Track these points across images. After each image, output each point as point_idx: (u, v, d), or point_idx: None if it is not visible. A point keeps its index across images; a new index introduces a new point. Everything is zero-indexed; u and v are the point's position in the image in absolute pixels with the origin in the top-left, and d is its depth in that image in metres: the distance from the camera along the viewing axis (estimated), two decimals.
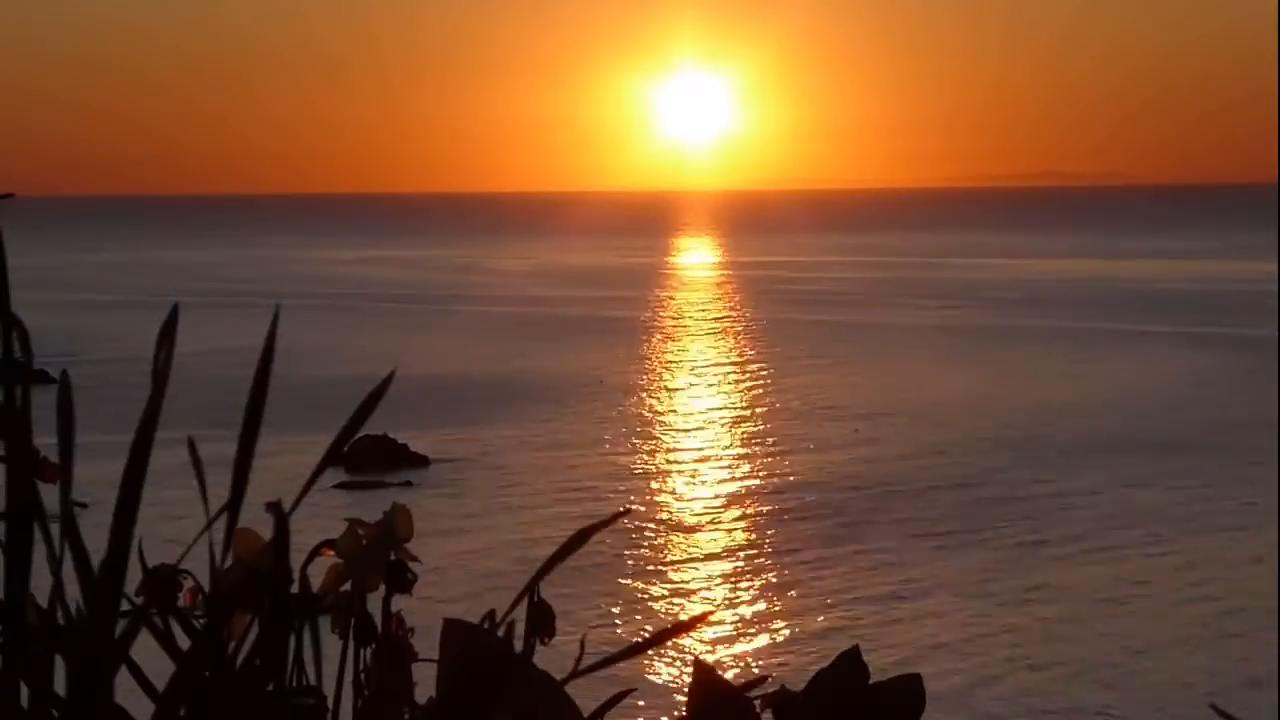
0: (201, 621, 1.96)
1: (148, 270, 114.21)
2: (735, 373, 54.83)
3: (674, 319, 74.66)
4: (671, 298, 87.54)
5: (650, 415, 44.04)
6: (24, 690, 1.80)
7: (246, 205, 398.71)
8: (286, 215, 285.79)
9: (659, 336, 65.65)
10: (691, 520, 31.33)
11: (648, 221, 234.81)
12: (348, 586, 2.20)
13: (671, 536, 29.82)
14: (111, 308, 78.56)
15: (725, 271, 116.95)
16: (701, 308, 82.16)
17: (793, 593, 26.28)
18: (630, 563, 27.45)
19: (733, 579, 27.34)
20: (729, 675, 2.57)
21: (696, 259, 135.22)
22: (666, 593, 26.19)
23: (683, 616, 22.61)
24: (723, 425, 43.12)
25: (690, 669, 2.57)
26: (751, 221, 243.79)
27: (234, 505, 1.84)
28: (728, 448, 39.56)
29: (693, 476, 35.76)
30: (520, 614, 2.15)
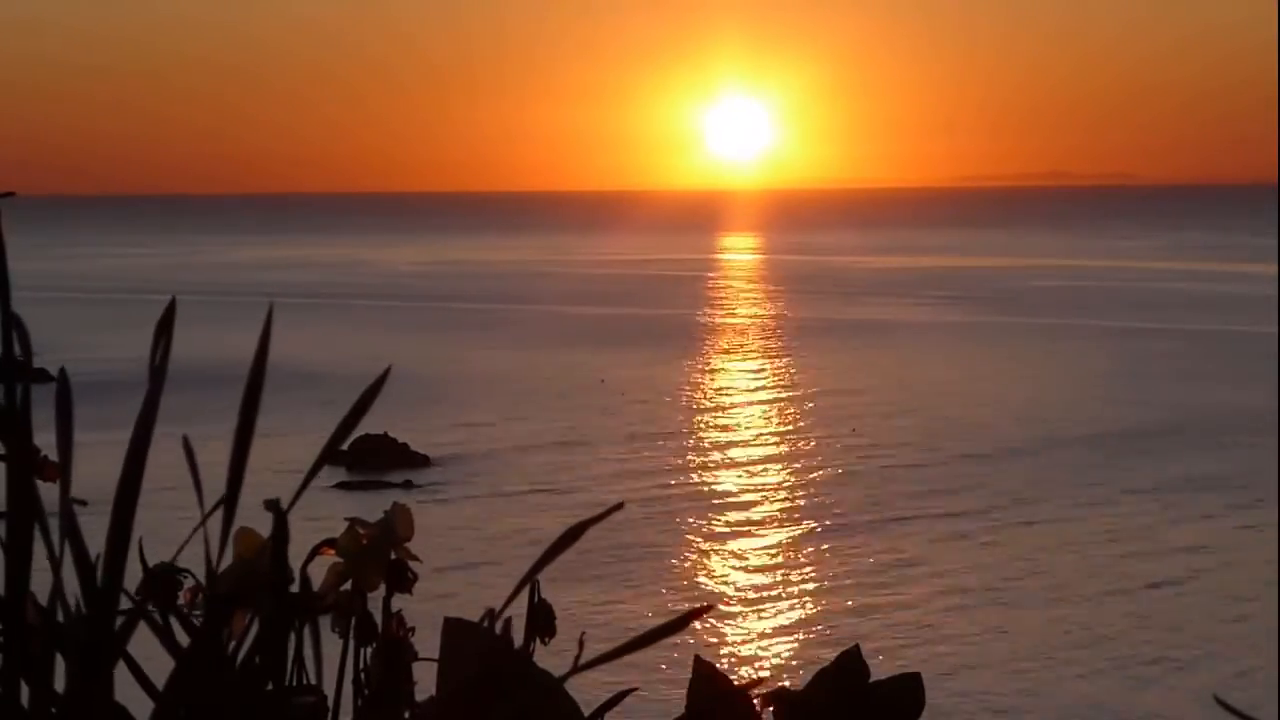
0: (199, 620, 1.95)
1: (172, 268, 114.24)
2: (735, 371, 54.85)
3: (676, 318, 74.64)
4: (676, 297, 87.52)
5: (650, 414, 44.03)
6: (24, 689, 1.80)
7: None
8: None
9: (659, 336, 65.64)
10: (689, 517, 31.33)
11: (679, 220, 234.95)
12: (348, 586, 2.19)
13: (671, 533, 29.81)
14: (111, 305, 78.53)
15: (731, 270, 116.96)
16: (706, 306, 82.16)
17: (792, 589, 26.30)
18: (629, 559, 27.45)
19: (731, 575, 27.36)
20: (730, 673, 2.57)
21: (708, 257, 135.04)
22: (665, 589, 26.20)
23: (680, 612, 22.49)
24: (723, 423, 43.12)
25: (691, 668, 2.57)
26: (775, 220, 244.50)
27: (230, 502, 1.83)
28: (727, 446, 39.56)
29: (692, 474, 35.76)
30: (517, 610, 2.15)
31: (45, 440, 1.90)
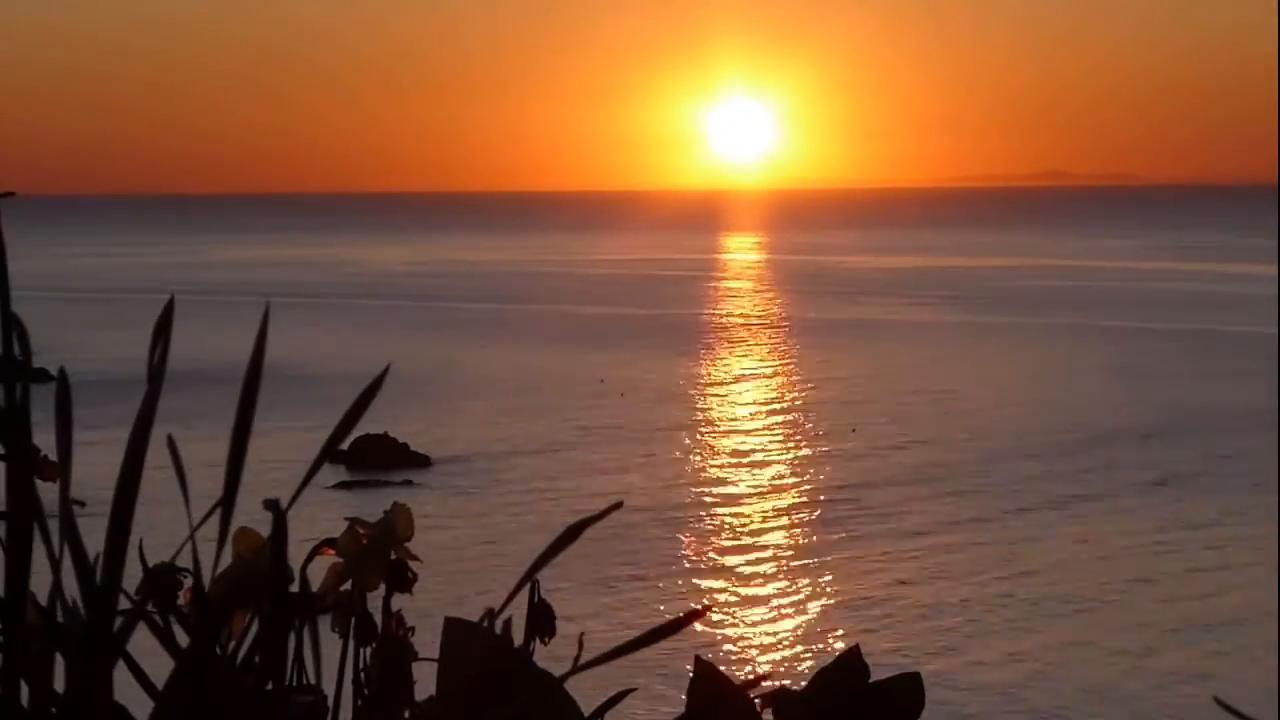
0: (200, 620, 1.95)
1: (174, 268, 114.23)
2: (736, 371, 54.86)
3: (677, 318, 74.65)
4: (677, 297, 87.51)
5: (650, 414, 44.04)
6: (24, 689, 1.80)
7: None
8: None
9: (660, 336, 65.65)
10: (689, 516, 31.33)
11: (681, 220, 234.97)
12: (348, 586, 2.19)
13: (670, 532, 29.82)
14: (111, 305, 78.50)
15: (732, 270, 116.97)
16: (707, 306, 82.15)
17: (793, 589, 26.29)
18: (629, 558, 27.45)
19: (732, 574, 27.35)
20: (730, 673, 2.56)
21: (710, 257, 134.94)
22: (666, 588, 26.20)
23: (681, 612, 22.44)
24: (722, 423, 43.12)
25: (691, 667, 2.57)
26: (777, 221, 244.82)
27: (228, 503, 1.83)
28: (727, 445, 39.56)
29: (692, 473, 35.76)
30: (516, 609, 2.15)
31: (44, 440, 1.90)
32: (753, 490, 34.24)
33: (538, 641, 2.25)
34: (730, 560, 28.44)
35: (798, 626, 24.44)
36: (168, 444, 1.92)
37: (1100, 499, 32.58)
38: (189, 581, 2.02)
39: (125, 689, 1.87)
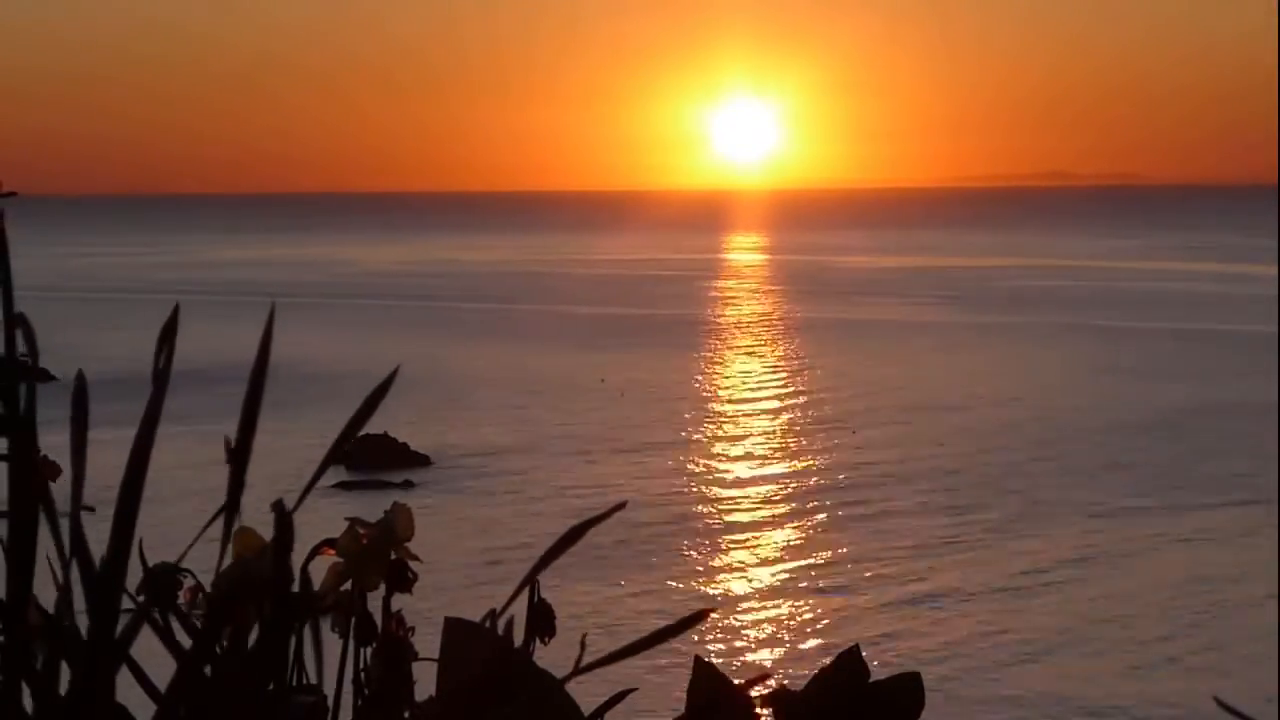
0: (200, 620, 1.96)
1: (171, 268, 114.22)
2: (736, 371, 54.85)
3: (678, 318, 74.64)
4: (678, 296, 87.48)
5: (651, 414, 44.04)
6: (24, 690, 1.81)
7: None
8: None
9: (660, 336, 65.63)
10: (691, 517, 31.32)
11: (684, 220, 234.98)
12: (348, 586, 2.20)
13: (672, 533, 29.81)
14: (110, 304, 78.49)
15: (734, 270, 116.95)
16: (708, 306, 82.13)
17: (793, 589, 26.30)
18: (630, 558, 27.44)
19: (734, 576, 27.35)
20: (730, 673, 2.57)
21: (712, 257, 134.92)
22: (667, 589, 26.19)
23: (683, 613, 22.42)
24: (723, 422, 43.11)
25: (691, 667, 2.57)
26: (780, 220, 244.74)
27: (232, 504, 1.83)
28: (727, 445, 39.56)
29: (693, 473, 35.75)
30: (518, 610, 2.15)
31: (46, 440, 1.90)
32: (754, 490, 34.23)
33: (538, 641, 2.25)
34: (732, 560, 28.43)
35: (798, 627, 24.44)
36: (225, 447, 1.93)
37: (1100, 500, 32.57)
38: (189, 581, 2.03)
39: (126, 689, 1.87)
